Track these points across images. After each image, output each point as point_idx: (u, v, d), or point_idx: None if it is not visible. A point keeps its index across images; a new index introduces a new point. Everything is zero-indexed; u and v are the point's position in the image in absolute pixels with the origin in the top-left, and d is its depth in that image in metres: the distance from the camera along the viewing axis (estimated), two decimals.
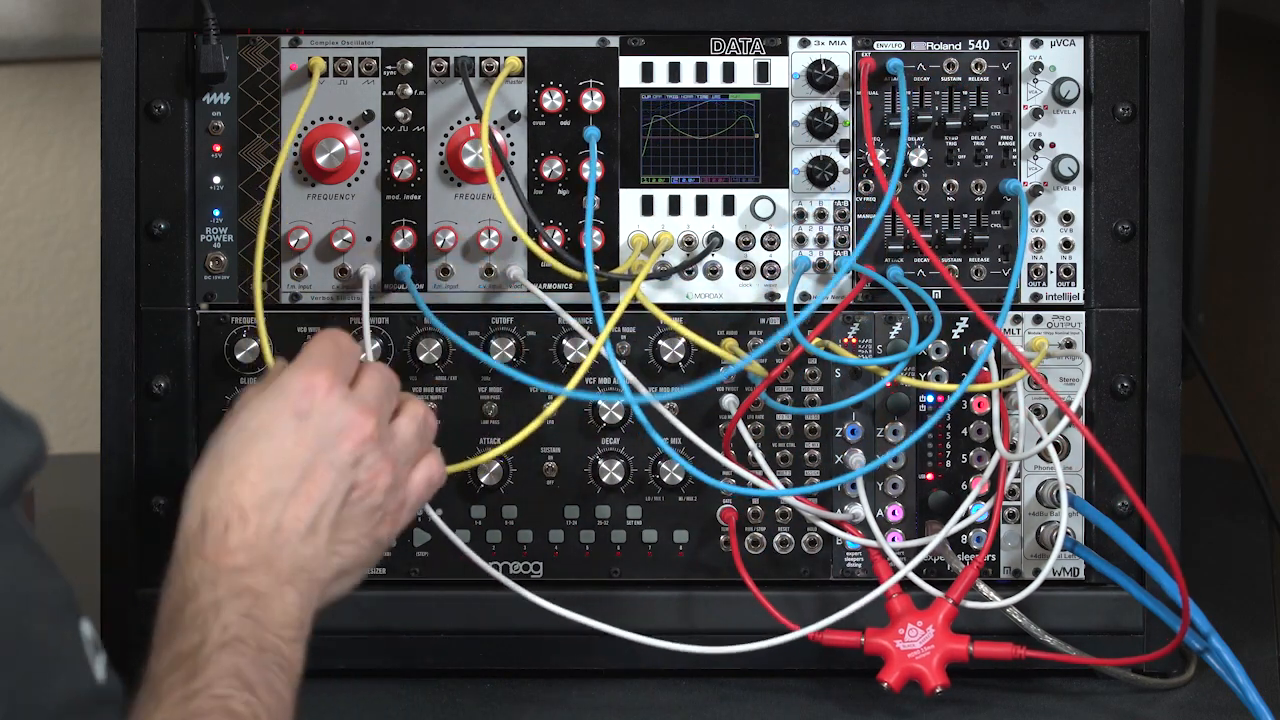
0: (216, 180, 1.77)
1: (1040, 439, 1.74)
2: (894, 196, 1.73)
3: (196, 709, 1.34)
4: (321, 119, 1.77)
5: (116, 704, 1.08)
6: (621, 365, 1.74)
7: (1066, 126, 1.77)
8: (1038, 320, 1.77)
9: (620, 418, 1.76)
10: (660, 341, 1.75)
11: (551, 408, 1.75)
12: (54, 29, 2.33)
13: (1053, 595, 1.76)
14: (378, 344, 1.75)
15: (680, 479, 1.76)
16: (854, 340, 1.77)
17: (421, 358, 1.76)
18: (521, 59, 1.77)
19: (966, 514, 1.75)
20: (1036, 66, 1.77)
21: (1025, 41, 1.77)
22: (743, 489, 1.74)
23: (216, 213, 1.77)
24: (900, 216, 1.75)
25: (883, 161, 1.76)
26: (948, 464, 1.78)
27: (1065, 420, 1.74)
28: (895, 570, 1.72)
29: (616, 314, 1.72)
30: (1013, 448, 1.75)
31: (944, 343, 1.77)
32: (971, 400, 1.77)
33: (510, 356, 1.75)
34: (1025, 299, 1.77)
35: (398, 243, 1.77)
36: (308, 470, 1.48)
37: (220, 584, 1.43)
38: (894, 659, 1.69)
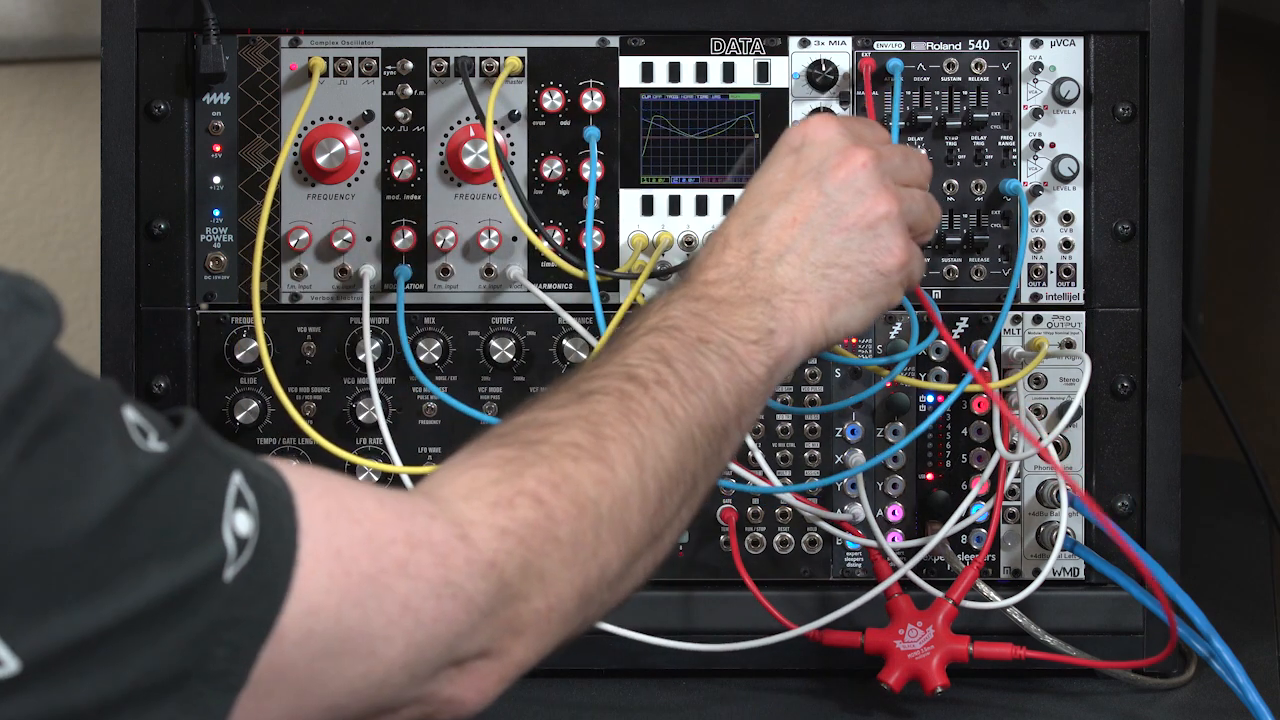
0: (216, 180, 1.77)
1: (1040, 439, 1.74)
2: None
3: (602, 372, 1.37)
4: (321, 119, 1.77)
5: (168, 466, 1.09)
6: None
7: (1066, 126, 1.77)
8: (1038, 320, 1.77)
9: None
10: None
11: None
12: (54, 29, 2.33)
13: (1053, 595, 1.76)
14: (378, 344, 1.75)
15: None
16: (854, 340, 1.77)
17: (421, 358, 1.76)
18: (521, 59, 1.77)
19: (966, 514, 1.75)
20: (1036, 66, 1.77)
21: (1025, 41, 1.77)
22: (740, 485, 1.74)
23: (216, 213, 1.77)
24: None
25: None
26: (948, 464, 1.78)
27: (1065, 420, 1.74)
28: (895, 570, 1.72)
29: (619, 315, 1.72)
30: (1013, 448, 1.75)
31: (944, 343, 1.76)
32: (971, 400, 1.77)
33: (510, 356, 1.75)
34: (1025, 299, 1.77)
35: (398, 243, 1.76)
36: (793, 194, 1.49)
37: (679, 289, 1.45)
38: (894, 659, 1.69)
